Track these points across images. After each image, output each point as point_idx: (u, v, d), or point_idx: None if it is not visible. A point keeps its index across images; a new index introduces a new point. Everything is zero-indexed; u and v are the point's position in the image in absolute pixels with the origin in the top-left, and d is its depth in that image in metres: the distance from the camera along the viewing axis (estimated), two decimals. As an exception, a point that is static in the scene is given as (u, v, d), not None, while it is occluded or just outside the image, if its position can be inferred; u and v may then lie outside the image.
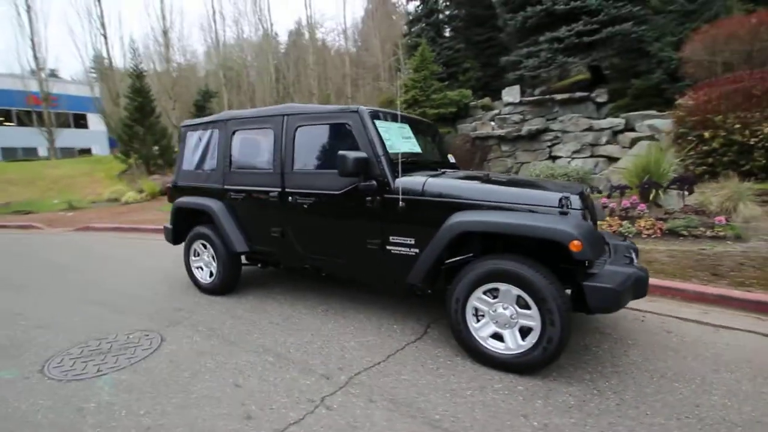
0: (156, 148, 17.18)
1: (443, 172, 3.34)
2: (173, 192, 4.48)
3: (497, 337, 2.65)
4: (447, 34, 16.05)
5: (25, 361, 2.98)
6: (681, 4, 10.59)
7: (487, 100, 14.00)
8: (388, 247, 3.08)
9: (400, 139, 3.38)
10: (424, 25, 16.38)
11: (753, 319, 3.30)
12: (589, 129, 10.71)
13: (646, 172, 6.09)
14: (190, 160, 4.35)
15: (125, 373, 2.75)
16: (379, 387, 2.50)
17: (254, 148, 3.93)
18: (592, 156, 10.60)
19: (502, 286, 2.54)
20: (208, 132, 4.15)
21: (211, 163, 4.11)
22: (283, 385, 2.55)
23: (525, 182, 3.05)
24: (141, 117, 17.21)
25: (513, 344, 2.57)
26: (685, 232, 5.12)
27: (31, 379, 2.73)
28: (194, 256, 4.29)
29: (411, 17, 17.00)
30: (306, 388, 2.51)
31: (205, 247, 4.16)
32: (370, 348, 3.00)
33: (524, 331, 2.56)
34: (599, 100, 11.80)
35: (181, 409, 2.34)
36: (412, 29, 17.11)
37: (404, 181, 2.98)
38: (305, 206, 3.41)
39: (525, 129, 11.82)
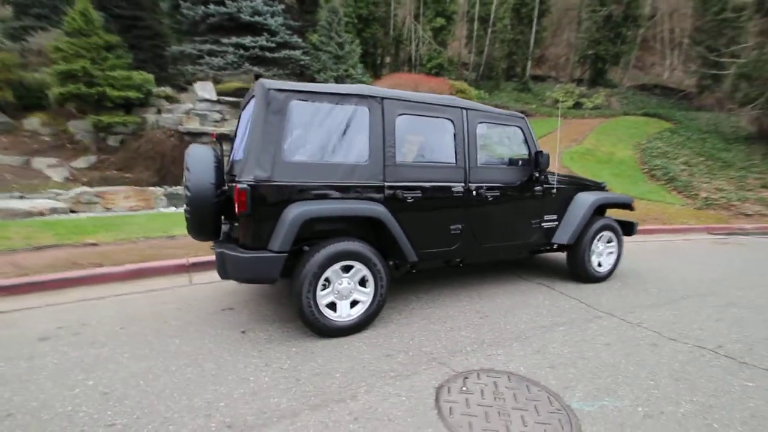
0: None
1: None
2: (261, 194, 2.38)
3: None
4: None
5: None
6: (334, 49, 14.18)
7: (168, 90, 12.15)
8: (542, 224, 3.88)
9: None
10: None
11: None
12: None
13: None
14: (301, 144, 2.54)
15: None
16: (653, 322, 3.23)
17: (425, 138, 3.11)
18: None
19: (607, 234, 4.24)
20: (346, 108, 2.70)
21: (352, 152, 2.73)
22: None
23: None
24: None
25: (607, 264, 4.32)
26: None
27: None
28: (322, 289, 2.61)
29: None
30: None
31: (345, 270, 2.72)
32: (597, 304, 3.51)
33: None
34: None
35: None
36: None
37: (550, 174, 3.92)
38: (490, 199, 3.42)
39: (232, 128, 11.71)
